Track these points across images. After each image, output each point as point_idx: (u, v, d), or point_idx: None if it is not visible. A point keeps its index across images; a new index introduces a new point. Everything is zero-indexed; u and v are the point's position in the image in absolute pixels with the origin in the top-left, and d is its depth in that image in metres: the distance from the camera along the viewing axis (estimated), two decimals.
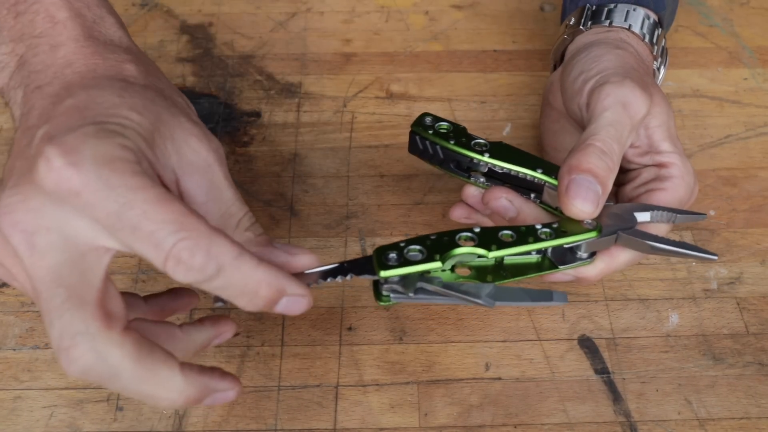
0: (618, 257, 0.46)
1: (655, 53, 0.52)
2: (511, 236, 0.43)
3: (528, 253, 0.45)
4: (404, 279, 0.41)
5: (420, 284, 0.41)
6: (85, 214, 0.33)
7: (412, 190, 0.57)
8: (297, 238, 0.55)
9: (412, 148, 0.50)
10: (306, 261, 0.39)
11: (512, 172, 0.47)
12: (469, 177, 0.49)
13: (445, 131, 0.48)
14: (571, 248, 0.45)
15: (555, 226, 0.44)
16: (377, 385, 0.48)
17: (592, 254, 0.45)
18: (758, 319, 0.51)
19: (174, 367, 0.35)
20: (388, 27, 0.68)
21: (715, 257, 0.45)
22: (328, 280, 0.40)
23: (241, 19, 0.68)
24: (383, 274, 0.40)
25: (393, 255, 0.41)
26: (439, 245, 0.41)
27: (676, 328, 0.51)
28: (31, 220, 0.33)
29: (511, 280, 0.44)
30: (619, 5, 0.52)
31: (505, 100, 0.63)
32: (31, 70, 0.38)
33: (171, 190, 0.36)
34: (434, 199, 0.57)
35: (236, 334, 0.50)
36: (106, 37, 0.40)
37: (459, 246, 0.42)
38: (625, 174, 0.49)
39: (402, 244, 0.41)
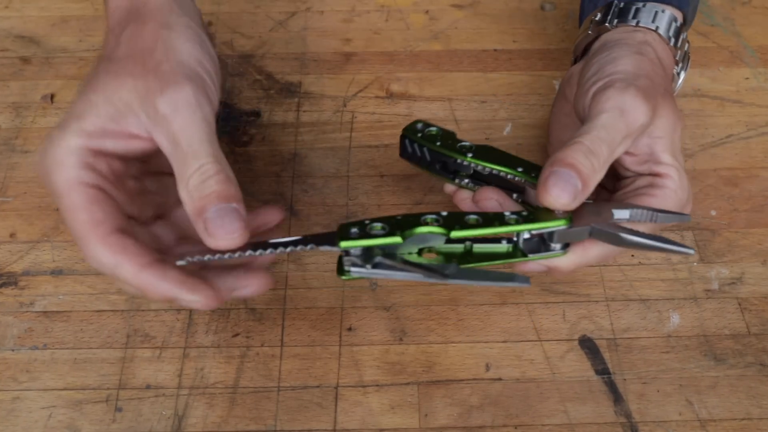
0: (591, 249, 0.45)
1: (677, 57, 0.51)
2: (477, 220, 0.43)
3: (498, 241, 0.45)
4: (365, 252, 0.42)
5: (379, 259, 0.42)
6: None
7: (412, 190, 0.57)
8: None
9: (403, 152, 0.52)
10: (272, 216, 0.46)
11: (494, 172, 0.48)
12: (455, 179, 0.50)
13: (433, 135, 0.50)
14: (543, 239, 0.44)
15: (525, 213, 0.43)
16: (377, 385, 0.48)
17: (566, 246, 0.44)
18: (760, 320, 0.51)
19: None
20: (388, 26, 0.68)
21: (692, 251, 0.43)
22: (289, 249, 0.41)
23: (240, 19, 0.68)
24: (343, 244, 0.41)
25: (355, 230, 0.42)
26: (404, 224, 0.42)
27: (677, 328, 0.51)
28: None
29: (478, 265, 0.44)
30: (648, 4, 0.51)
31: (506, 99, 0.62)
32: None
33: None
34: (434, 199, 0.57)
35: (235, 335, 0.50)
36: None
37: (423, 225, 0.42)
38: (619, 181, 0.49)
39: (366, 221, 0.42)
